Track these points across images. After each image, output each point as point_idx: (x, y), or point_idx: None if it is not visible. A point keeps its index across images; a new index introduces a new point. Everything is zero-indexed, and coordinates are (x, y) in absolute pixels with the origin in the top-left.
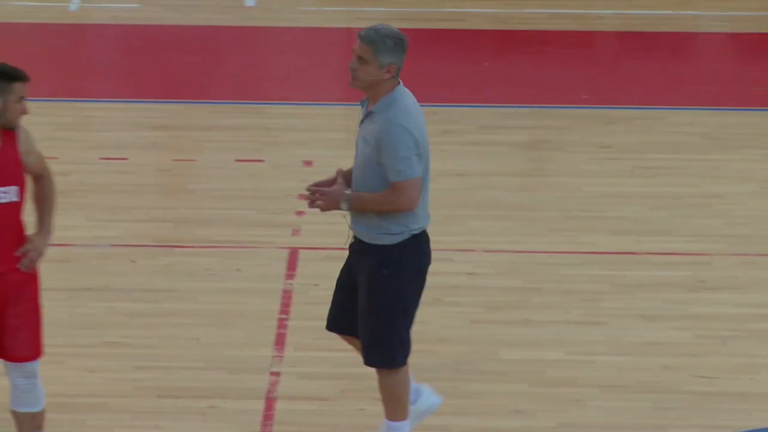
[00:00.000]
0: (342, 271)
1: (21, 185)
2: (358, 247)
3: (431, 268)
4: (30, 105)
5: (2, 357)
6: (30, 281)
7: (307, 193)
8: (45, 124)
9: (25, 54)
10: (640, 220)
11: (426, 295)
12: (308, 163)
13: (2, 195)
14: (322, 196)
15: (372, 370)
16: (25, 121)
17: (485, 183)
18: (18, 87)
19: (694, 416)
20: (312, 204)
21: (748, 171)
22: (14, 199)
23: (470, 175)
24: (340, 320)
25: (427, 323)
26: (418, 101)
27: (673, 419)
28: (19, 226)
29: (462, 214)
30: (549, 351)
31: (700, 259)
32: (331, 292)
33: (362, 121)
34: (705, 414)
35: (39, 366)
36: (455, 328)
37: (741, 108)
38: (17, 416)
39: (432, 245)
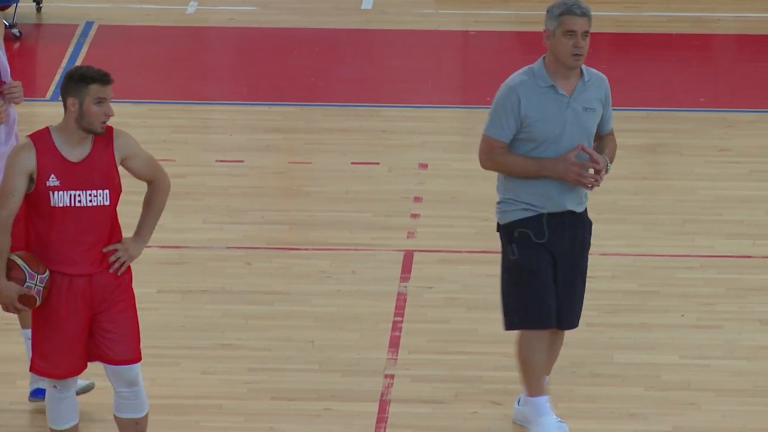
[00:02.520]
0: (543, 264)
1: (113, 189)
2: (571, 220)
3: None
4: (142, 108)
5: (103, 361)
6: (121, 284)
7: (589, 180)
8: (162, 127)
9: (143, 57)
10: (756, 223)
11: None
12: (423, 166)
13: (92, 198)
14: (598, 174)
15: (487, 374)
16: (144, 124)
17: (602, 186)
18: (95, 89)
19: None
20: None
21: None
22: (105, 203)
23: None
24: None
25: None
26: None
27: None
28: (110, 230)
29: None
30: (664, 354)
31: None
32: (446, 296)
33: (570, 96)
34: None
35: (140, 372)
36: (571, 332)
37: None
38: (120, 422)
39: None
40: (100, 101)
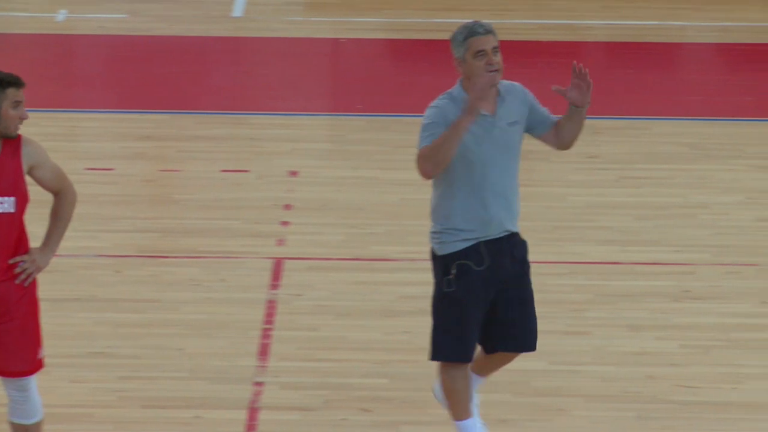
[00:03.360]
0: (477, 298)
1: (19, 197)
2: (505, 244)
3: (415, 278)
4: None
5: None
6: (25, 295)
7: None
8: (31, 135)
9: (11, 64)
10: (625, 230)
11: (410, 305)
12: (293, 174)
13: None
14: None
15: (356, 380)
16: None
17: None
18: (11, 92)
19: (677, 426)
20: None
21: (734, 181)
22: (10, 210)
23: None
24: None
25: (412, 333)
26: (404, 112)
27: (657, 429)
28: (15, 238)
29: None
30: (533, 361)
31: (685, 269)
32: (315, 303)
33: (494, 115)
34: (688, 424)
35: (35, 380)
36: None
37: (727, 118)
38: (12, 426)
39: (416, 255)
40: (17, 104)
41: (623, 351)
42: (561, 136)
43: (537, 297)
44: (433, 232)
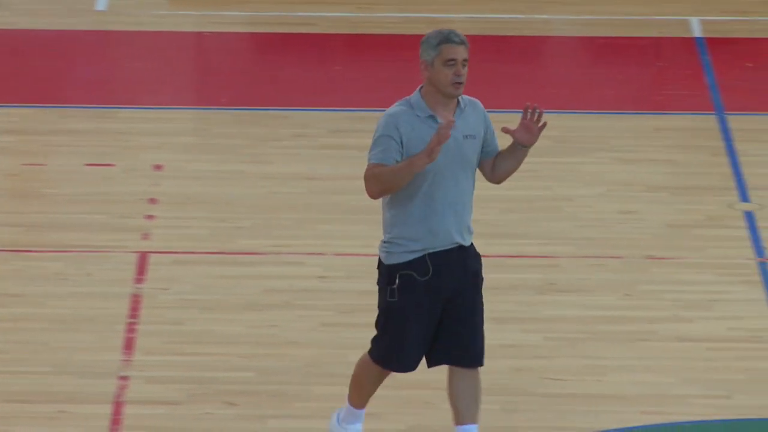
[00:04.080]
0: (420, 309)
1: None
2: (459, 255)
3: (282, 272)
4: None
5: None
6: None
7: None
8: None
9: None
10: (491, 223)
11: (277, 298)
12: (159, 167)
13: None
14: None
15: (222, 374)
16: None
17: (336, 187)
18: None
19: (543, 418)
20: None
21: (598, 174)
22: None
23: (321, 178)
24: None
25: (278, 326)
26: (270, 105)
27: (523, 421)
28: None
29: (313, 217)
30: None
31: (549, 261)
32: (181, 297)
33: (433, 120)
34: (554, 416)
35: None
36: (306, 332)
37: (591, 111)
38: None
39: (283, 248)
40: None
41: (489, 344)
42: (497, 169)
43: None
44: (382, 242)
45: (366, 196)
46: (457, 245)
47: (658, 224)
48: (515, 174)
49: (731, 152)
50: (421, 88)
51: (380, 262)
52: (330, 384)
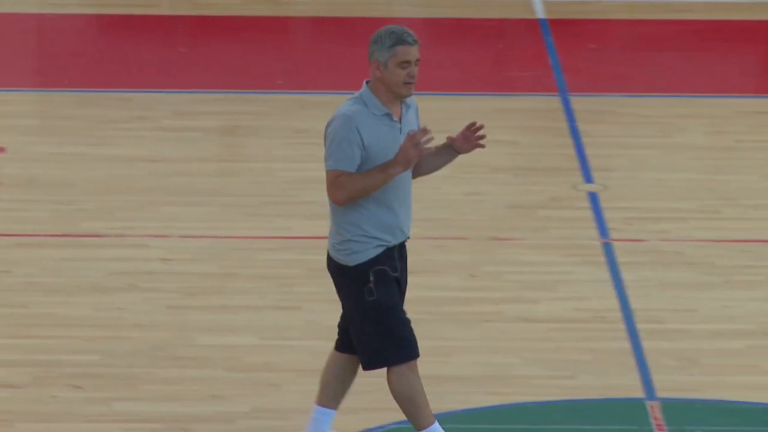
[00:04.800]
0: (397, 297)
1: None
2: (402, 249)
3: (126, 254)
4: None
5: None
6: None
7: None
8: None
9: None
10: (326, 204)
11: (121, 281)
12: (1, 150)
13: None
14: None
15: (67, 357)
16: None
17: (180, 169)
18: None
19: (388, 399)
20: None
21: None
22: None
23: (165, 161)
24: None
25: (123, 309)
26: (113, 87)
27: (368, 402)
28: None
29: (156, 200)
30: (244, 336)
31: None
32: (24, 280)
33: (400, 122)
34: None
35: None
36: (151, 314)
37: (434, 92)
38: None
39: (126, 231)
40: None
41: (334, 325)
42: (423, 165)
43: (246, 272)
44: (339, 243)
45: (212, 178)
46: (406, 238)
47: (503, 205)
48: None
49: (575, 133)
50: (368, 83)
51: (339, 266)
52: (176, 366)
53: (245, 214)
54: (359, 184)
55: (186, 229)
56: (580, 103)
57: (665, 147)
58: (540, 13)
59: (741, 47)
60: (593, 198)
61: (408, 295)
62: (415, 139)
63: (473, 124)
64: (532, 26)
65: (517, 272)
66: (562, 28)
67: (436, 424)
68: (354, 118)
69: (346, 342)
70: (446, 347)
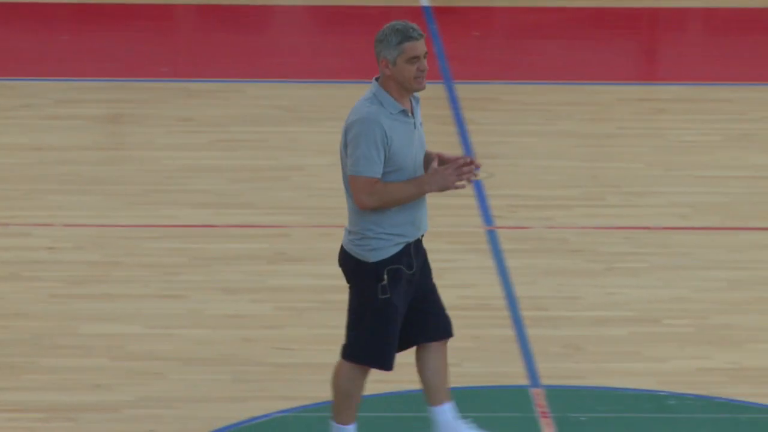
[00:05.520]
0: (404, 301)
1: None
2: (418, 243)
3: (9, 243)
4: None
5: None
6: None
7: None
8: None
9: None
10: (219, 193)
11: (3, 270)
12: None
13: None
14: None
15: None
16: None
17: (64, 157)
18: None
19: (273, 387)
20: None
21: (326, 143)
22: None
23: (48, 149)
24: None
25: (5, 298)
26: None
27: (254, 391)
28: None
29: (40, 188)
30: (129, 325)
31: (279, 231)
32: None
33: (413, 116)
34: (284, 385)
35: None
36: (34, 303)
37: (319, 80)
38: None
39: (10, 219)
40: None
41: (219, 314)
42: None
43: (131, 261)
44: (359, 239)
45: (96, 167)
46: (424, 231)
47: None
48: (243, 143)
49: (459, 121)
50: (377, 79)
51: (359, 261)
52: (59, 356)
53: (129, 202)
54: (394, 195)
55: (70, 218)
56: (464, 90)
57: (549, 134)
58: (424, 0)
59: (623, 34)
60: (478, 186)
61: (292, 283)
62: (458, 165)
63: (468, 160)
64: (416, 13)
65: None
66: (446, 15)
67: (354, 426)
68: (377, 121)
69: (411, 335)
70: (332, 335)
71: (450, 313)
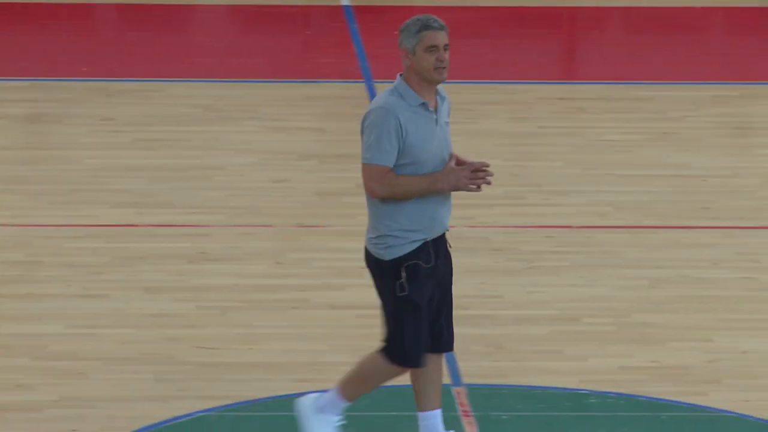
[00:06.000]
0: (426, 297)
1: None
2: (440, 240)
3: None
4: None
5: None
6: None
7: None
8: None
9: None
10: (141, 192)
11: None
12: None
13: None
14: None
15: None
16: None
17: None
18: None
19: (195, 387)
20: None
21: (247, 142)
22: None
23: None
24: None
25: None
26: None
27: (176, 390)
28: None
29: None
30: (51, 325)
31: (200, 230)
32: None
33: (435, 109)
34: (206, 385)
35: None
36: None
37: (241, 80)
38: None
39: None
40: None
41: (141, 313)
42: None
43: (53, 260)
44: (375, 237)
45: (18, 166)
46: (445, 231)
47: (309, 192)
48: (164, 143)
49: None
50: (401, 74)
51: (377, 260)
52: None
53: (51, 202)
54: (405, 188)
55: None
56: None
57: (470, 133)
58: (345, 0)
59: (543, 34)
60: None
61: (214, 282)
62: (474, 168)
63: (485, 165)
64: (336, 13)
65: (324, 259)
66: (367, 15)
67: (345, 405)
68: (393, 110)
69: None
70: (253, 335)
71: (368, 313)
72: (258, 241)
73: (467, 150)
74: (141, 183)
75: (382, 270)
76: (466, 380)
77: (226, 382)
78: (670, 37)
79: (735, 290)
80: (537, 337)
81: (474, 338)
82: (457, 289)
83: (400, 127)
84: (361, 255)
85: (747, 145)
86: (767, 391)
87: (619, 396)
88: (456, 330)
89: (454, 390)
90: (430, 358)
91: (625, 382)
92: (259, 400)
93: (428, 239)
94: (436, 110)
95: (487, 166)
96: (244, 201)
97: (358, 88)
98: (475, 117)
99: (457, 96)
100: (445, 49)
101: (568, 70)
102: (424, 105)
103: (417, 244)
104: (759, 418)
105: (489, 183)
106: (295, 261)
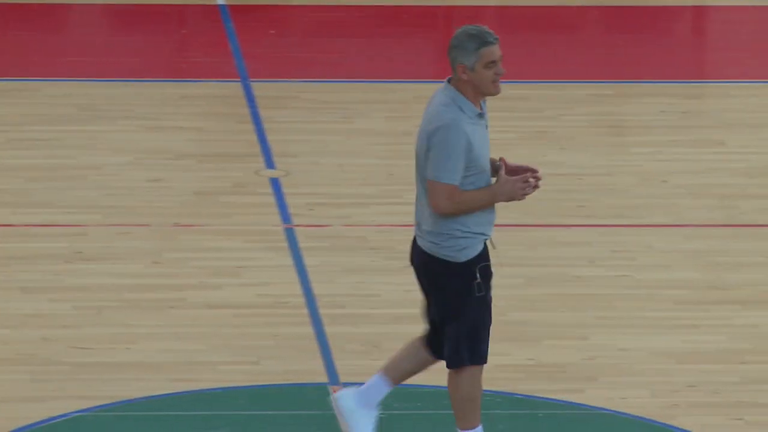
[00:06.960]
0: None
1: None
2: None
3: None
4: None
5: None
6: None
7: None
8: None
9: None
10: (16, 192)
11: None
12: None
13: None
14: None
15: None
16: None
17: None
18: None
19: (71, 387)
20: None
21: (123, 142)
22: None
23: None
24: None
25: None
26: None
27: (52, 391)
28: None
29: None
30: None
31: (76, 230)
32: None
33: (481, 117)
34: (83, 385)
35: None
36: None
37: (116, 79)
38: None
39: None
40: None
41: (17, 313)
42: None
43: None
44: (444, 240)
45: None
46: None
47: (186, 192)
48: (39, 142)
49: (256, 119)
50: (449, 81)
51: (447, 262)
52: None
53: None
54: (469, 205)
55: None
56: (261, 89)
57: (346, 132)
58: None
59: (419, 33)
60: (275, 184)
61: (91, 282)
62: (527, 178)
63: (534, 171)
64: (212, 12)
65: (201, 258)
66: (243, 14)
67: (481, 427)
68: (460, 127)
69: (436, 342)
70: (130, 334)
71: (248, 311)
72: (135, 240)
73: (345, 149)
74: (16, 183)
75: (455, 272)
76: (343, 379)
77: (102, 382)
78: (545, 35)
79: (611, 288)
80: (414, 335)
81: (351, 337)
82: (334, 288)
83: (469, 142)
84: (238, 254)
85: (622, 144)
86: (643, 388)
87: (497, 394)
88: (333, 329)
89: (332, 389)
90: (429, 359)
91: (502, 380)
92: (136, 400)
93: (486, 239)
94: (483, 116)
95: (536, 171)
96: (120, 200)
97: (235, 87)
98: (351, 116)
99: (333, 95)
100: (500, 61)
101: (445, 70)
102: (480, 115)
103: (483, 245)
104: (635, 415)
105: (538, 186)
106: (172, 260)
